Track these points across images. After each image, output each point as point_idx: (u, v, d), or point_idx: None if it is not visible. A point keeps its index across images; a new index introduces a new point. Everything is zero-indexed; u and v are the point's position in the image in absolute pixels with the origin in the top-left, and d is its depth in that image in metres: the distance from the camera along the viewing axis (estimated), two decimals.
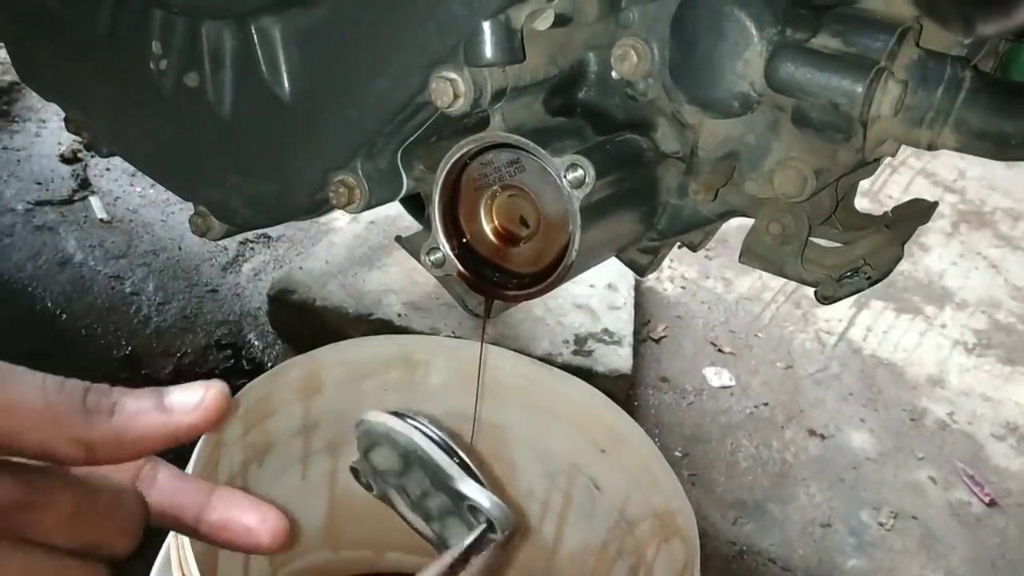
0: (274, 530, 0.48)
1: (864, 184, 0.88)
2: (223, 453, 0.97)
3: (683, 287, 2.26)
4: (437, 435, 0.50)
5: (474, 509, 0.49)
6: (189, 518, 0.48)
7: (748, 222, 0.82)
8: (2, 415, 0.41)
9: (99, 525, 0.43)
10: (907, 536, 1.73)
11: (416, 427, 0.50)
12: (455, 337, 1.71)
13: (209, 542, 0.48)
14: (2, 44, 2.29)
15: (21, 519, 0.41)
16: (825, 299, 0.78)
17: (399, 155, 0.78)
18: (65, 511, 0.42)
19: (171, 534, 0.83)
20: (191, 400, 0.45)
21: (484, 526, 0.49)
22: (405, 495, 0.51)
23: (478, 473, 0.50)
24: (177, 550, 0.78)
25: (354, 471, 0.52)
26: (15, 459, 0.42)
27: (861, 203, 0.90)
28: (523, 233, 0.76)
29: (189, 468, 0.90)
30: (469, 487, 0.49)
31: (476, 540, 0.49)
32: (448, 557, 0.48)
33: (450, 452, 0.50)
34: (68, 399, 0.43)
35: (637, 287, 2.04)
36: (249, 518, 0.48)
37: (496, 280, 0.78)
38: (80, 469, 0.44)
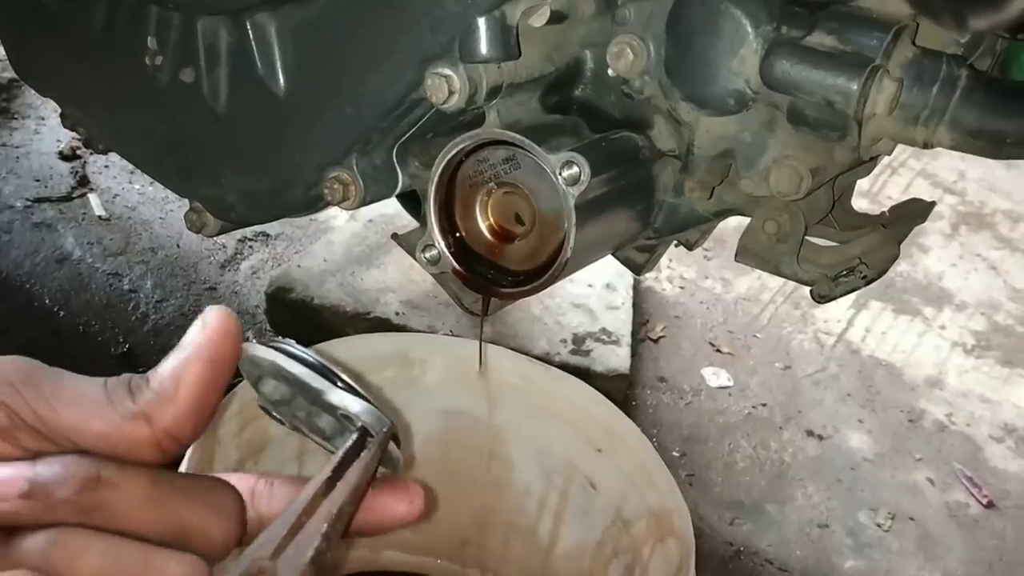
0: (411, 498, 0.48)
1: (864, 185, 0.88)
2: (219, 451, 0.97)
3: (682, 287, 2.26)
4: (305, 354, 0.48)
5: (347, 418, 0.48)
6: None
7: (746, 222, 0.82)
8: (65, 408, 0.41)
9: (184, 505, 0.43)
10: (905, 537, 1.73)
11: (282, 350, 0.48)
12: (452, 336, 1.71)
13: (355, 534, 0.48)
14: None
15: (95, 497, 0.40)
16: (821, 298, 0.78)
17: (394, 152, 0.78)
18: (141, 489, 0.41)
19: None
20: (196, 326, 0.45)
21: (357, 432, 0.48)
22: (299, 419, 0.50)
23: (359, 388, 0.48)
24: None
25: (263, 409, 0.50)
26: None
27: (861, 204, 0.90)
28: (518, 230, 0.76)
29: (184, 465, 0.90)
30: (337, 396, 0.48)
31: (352, 447, 0.47)
32: (328, 468, 0.46)
33: (322, 371, 0.48)
34: (115, 385, 0.43)
35: (635, 287, 2.04)
36: (386, 497, 0.48)
37: (491, 277, 0.78)
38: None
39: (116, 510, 0.41)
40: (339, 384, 0.48)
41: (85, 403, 0.42)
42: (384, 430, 0.48)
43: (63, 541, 0.40)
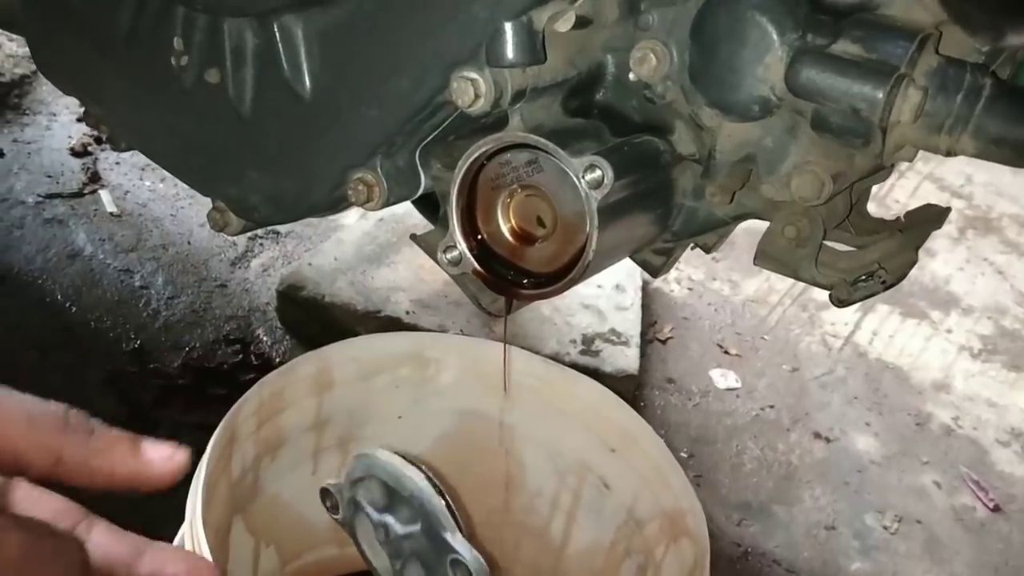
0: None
1: (871, 189, 0.89)
2: (236, 447, 0.97)
3: (690, 289, 2.27)
4: (437, 484, 0.53)
5: (456, 563, 0.52)
6: (121, 571, 0.49)
7: (756, 225, 0.82)
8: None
9: (44, 571, 0.43)
10: (911, 540, 1.73)
11: (422, 472, 0.53)
12: (463, 335, 1.72)
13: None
14: (14, 37, 2.29)
15: None
16: (840, 302, 0.79)
17: (417, 154, 0.79)
18: (13, 553, 0.42)
19: (182, 531, 0.84)
20: (161, 454, 0.47)
21: None
22: (382, 530, 0.53)
23: (463, 527, 0.53)
24: (191, 541, 0.78)
25: (324, 492, 0.54)
26: None
27: (868, 207, 0.90)
28: (540, 233, 0.77)
29: (203, 462, 0.91)
30: (459, 541, 0.53)
31: None
32: None
33: (445, 503, 0.53)
34: (49, 412, 0.45)
35: (644, 288, 2.05)
36: (178, 567, 0.49)
37: (512, 279, 0.78)
38: (22, 515, 0.45)
39: None
40: (459, 527, 0.53)
41: (6, 412, 0.43)
42: None
43: None
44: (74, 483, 0.45)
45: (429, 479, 0.52)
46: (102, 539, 0.50)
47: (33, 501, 0.50)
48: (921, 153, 0.69)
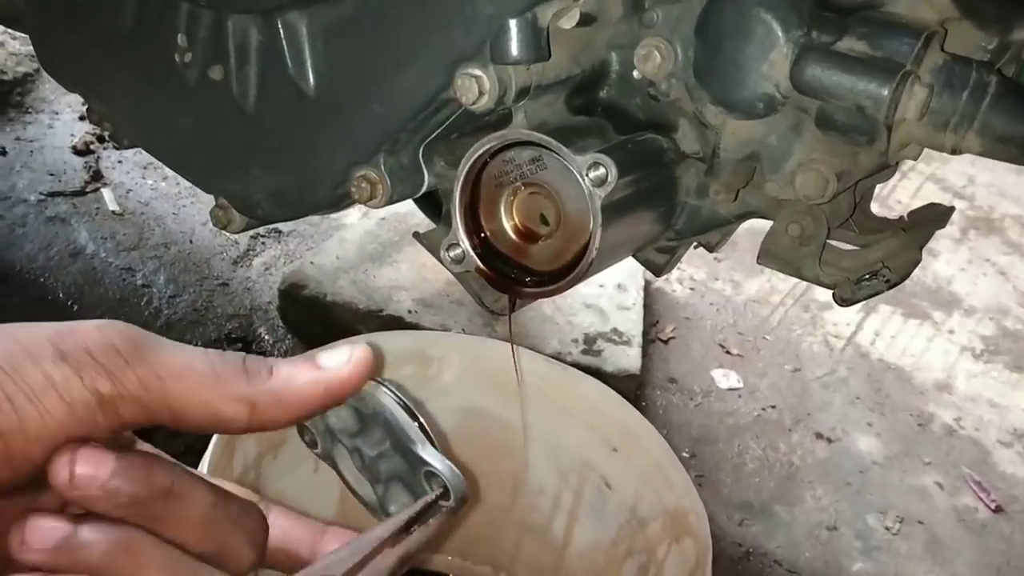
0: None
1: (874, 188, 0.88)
2: (238, 445, 0.97)
3: (692, 288, 2.27)
4: (403, 400, 0.51)
5: (430, 475, 0.51)
6: (304, 554, 0.50)
7: (758, 225, 0.82)
8: (173, 378, 0.42)
9: (230, 531, 0.44)
10: (913, 541, 1.73)
11: (385, 390, 0.51)
12: (466, 334, 1.71)
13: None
14: (17, 35, 2.29)
15: (165, 508, 0.42)
16: (844, 301, 0.78)
17: (421, 151, 0.78)
18: (203, 508, 0.43)
19: None
20: (341, 357, 0.47)
21: (439, 492, 0.51)
22: (357, 455, 0.52)
23: (435, 441, 0.52)
24: None
25: (300, 427, 0.53)
26: (162, 455, 0.44)
27: (870, 207, 0.90)
28: (543, 231, 0.76)
29: (205, 459, 0.91)
30: (430, 453, 0.50)
31: (429, 504, 0.50)
32: (404, 515, 0.50)
33: (414, 418, 0.51)
34: (230, 363, 0.45)
35: (646, 288, 2.05)
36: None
37: (514, 277, 0.78)
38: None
39: (177, 522, 0.42)
40: (430, 442, 0.51)
41: (191, 374, 0.43)
42: (461, 498, 0.51)
43: (128, 545, 0.41)
44: (272, 426, 0.46)
45: (393, 394, 0.51)
46: (279, 523, 0.51)
47: None
48: (924, 153, 0.69)
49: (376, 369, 0.49)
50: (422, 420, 0.51)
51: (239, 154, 0.81)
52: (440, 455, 0.51)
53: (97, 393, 0.40)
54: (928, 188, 2.86)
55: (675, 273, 2.29)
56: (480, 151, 0.72)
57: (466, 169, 0.74)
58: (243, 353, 0.46)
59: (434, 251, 0.84)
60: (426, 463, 0.50)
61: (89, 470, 0.40)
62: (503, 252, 0.78)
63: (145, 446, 0.48)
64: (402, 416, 0.50)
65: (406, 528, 0.49)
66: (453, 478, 0.50)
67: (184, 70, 0.81)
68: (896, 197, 2.74)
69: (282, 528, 0.51)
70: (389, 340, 1.12)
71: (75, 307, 1.80)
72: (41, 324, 0.41)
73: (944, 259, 2.58)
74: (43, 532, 0.40)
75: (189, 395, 0.42)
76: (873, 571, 1.66)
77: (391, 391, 0.51)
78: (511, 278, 0.78)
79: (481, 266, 0.77)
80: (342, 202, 0.80)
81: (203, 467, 0.88)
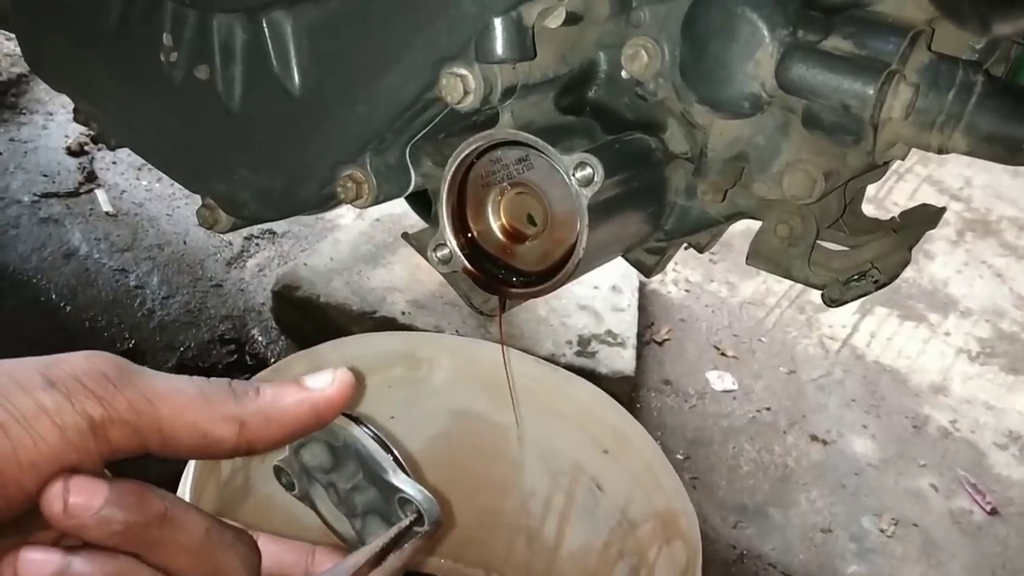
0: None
1: (869, 191, 0.88)
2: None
3: (687, 290, 2.26)
4: (372, 431, 0.53)
5: (404, 501, 0.52)
6: (297, 572, 0.51)
7: (753, 227, 0.82)
8: (161, 401, 0.42)
9: (224, 556, 0.45)
10: (908, 543, 1.73)
11: (354, 422, 0.52)
12: (458, 335, 1.71)
13: None
14: (11, 36, 2.29)
15: (159, 534, 0.42)
16: (832, 302, 0.78)
17: (407, 151, 0.78)
18: (197, 534, 0.43)
19: None
20: (325, 379, 0.48)
21: (413, 517, 0.52)
22: (333, 491, 0.54)
23: (407, 469, 0.53)
24: None
25: (277, 470, 0.54)
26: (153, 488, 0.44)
27: (867, 209, 0.90)
28: (530, 231, 0.76)
29: (191, 462, 0.90)
30: (401, 480, 0.52)
31: (404, 530, 0.51)
32: (379, 542, 0.50)
33: (385, 447, 0.53)
34: (217, 385, 0.46)
35: (641, 289, 2.04)
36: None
37: (502, 277, 0.78)
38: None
39: (171, 549, 0.42)
40: (390, 455, 0.52)
41: (180, 396, 0.43)
42: (435, 523, 0.52)
43: (122, 575, 0.41)
44: (261, 446, 0.46)
45: (364, 426, 0.52)
46: (268, 548, 0.51)
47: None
48: (920, 155, 0.68)
49: (358, 391, 0.50)
50: (393, 449, 0.52)
51: (225, 154, 0.81)
52: (412, 481, 0.52)
53: (88, 417, 0.40)
54: (924, 190, 2.86)
55: (670, 275, 2.29)
56: (467, 151, 0.72)
57: (453, 169, 0.73)
58: (227, 380, 0.47)
59: (422, 251, 0.83)
60: (399, 490, 0.51)
61: (82, 499, 0.40)
62: (490, 252, 0.77)
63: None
64: (373, 446, 0.52)
65: (382, 555, 0.50)
66: (426, 503, 0.51)
67: (170, 70, 0.81)
68: (892, 199, 2.74)
69: (273, 554, 0.51)
70: (379, 341, 1.11)
71: (68, 308, 1.79)
72: (27, 358, 0.42)
73: (940, 261, 2.58)
74: (36, 565, 0.40)
75: (179, 417, 0.43)
76: (868, 574, 1.66)
77: (362, 424, 0.52)
78: (498, 278, 0.78)
79: (468, 266, 0.77)
80: (329, 202, 0.80)
81: (189, 468, 0.88)
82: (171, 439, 0.43)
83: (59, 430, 0.39)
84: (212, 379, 0.46)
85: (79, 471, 0.40)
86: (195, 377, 0.46)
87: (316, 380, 0.48)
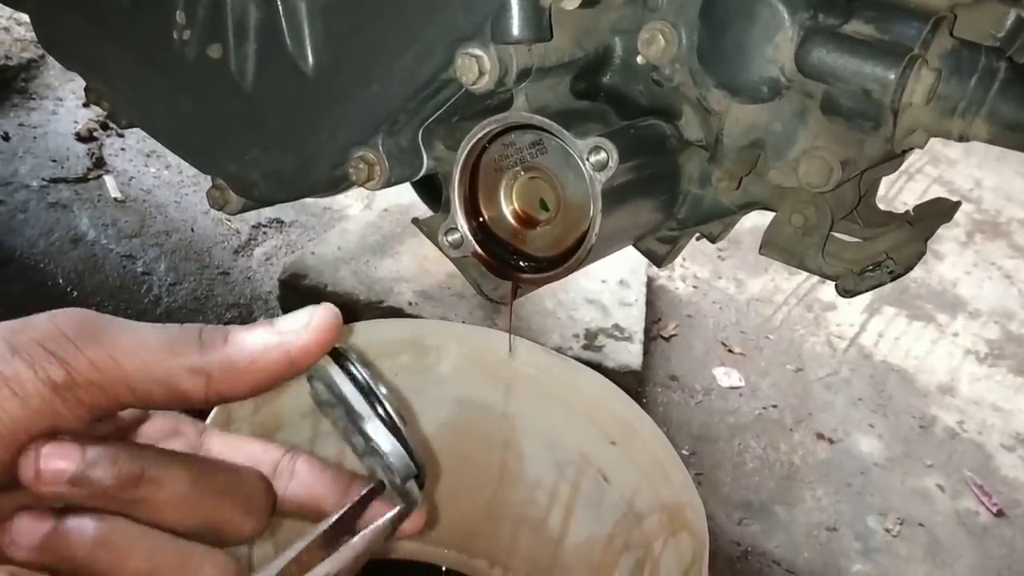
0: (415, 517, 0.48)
1: (880, 191, 0.87)
2: (232, 430, 0.96)
3: (695, 286, 2.25)
4: (356, 370, 0.47)
5: (376, 452, 0.46)
6: (330, 508, 0.48)
7: (762, 223, 0.81)
8: (126, 357, 0.41)
9: (217, 504, 0.43)
10: (913, 543, 1.72)
11: (337, 359, 0.47)
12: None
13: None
14: (22, 21, 2.28)
15: (139, 493, 0.41)
16: (846, 292, 0.77)
17: (420, 134, 0.77)
18: (180, 488, 0.42)
19: None
20: (300, 320, 0.45)
21: (367, 490, 0.47)
22: (339, 425, 0.49)
23: (400, 425, 0.47)
24: None
25: (316, 402, 0.49)
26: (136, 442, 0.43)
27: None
28: (542, 216, 0.75)
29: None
30: (372, 427, 0.46)
31: (359, 502, 0.47)
32: (328, 522, 0.46)
33: (367, 393, 0.47)
34: (184, 335, 0.43)
35: (649, 285, 2.03)
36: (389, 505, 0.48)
37: (513, 263, 0.77)
38: (204, 456, 0.45)
39: (155, 505, 0.42)
40: (380, 412, 0.47)
41: (145, 350, 0.42)
42: (404, 478, 0.47)
43: (110, 538, 0.41)
44: (232, 396, 0.44)
45: (344, 360, 0.47)
46: (307, 475, 0.49)
47: (230, 447, 0.50)
48: (931, 156, 0.67)
49: (339, 330, 0.45)
50: (379, 390, 0.47)
51: (236, 134, 0.80)
52: (384, 428, 0.46)
53: (51, 382, 0.40)
54: (935, 191, 2.85)
55: (678, 271, 2.28)
56: (480, 133, 0.71)
57: (466, 152, 0.73)
58: (201, 325, 0.44)
59: (432, 237, 0.83)
60: (369, 438, 0.46)
61: (54, 464, 0.39)
62: (502, 238, 0.77)
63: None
64: (351, 390, 0.47)
65: (343, 527, 0.46)
66: (393, 455, 0.46)
67: (182, 48, 0.80)
68: (902, 199, 2.73)
69: (305, 484, 0.49)
70: (386, 328, 1.11)
71: (74, 293, 1.79)
72: None
73: (949, 262, 2.56)
74: (28, 529, 0.40)
75: (145, 371, 0.41)
76: (872, 573, 1.65)
77: (346, 360, 0.47)
78: (510, 264, 0.77)
79: (479, 251, 0.76)
80: (340, 184, 0.79)
81: None
82: (142, 394, 0.42)
83: (20, 400, 0.39)
84: (183, 326, 0.44)
85: (59, 433, 0.40)
86: (166, 326, 0.43)
87: (291, 322, 0.44)
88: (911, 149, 0.70)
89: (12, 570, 0.39)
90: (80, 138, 2.20)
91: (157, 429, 0.50)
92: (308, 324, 0.45)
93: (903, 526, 1.74)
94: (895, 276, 0.76)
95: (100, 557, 0.40)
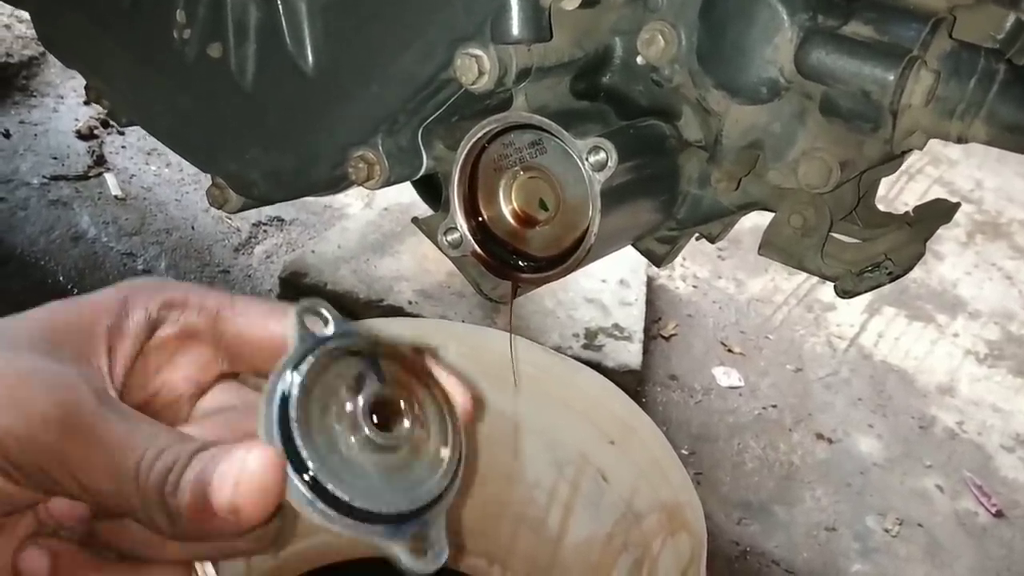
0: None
1: (880, 191, 0.87)
2: None
3: (695, 286, 2.25)
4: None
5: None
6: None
7: (762, 223, 0.81)
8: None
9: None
10: (912, 543, 1.72)
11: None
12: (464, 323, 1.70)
13: None
14: (23, 18, 2.28)
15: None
16: (845, 293, 0.77)
17: (420, 133, 0.77)
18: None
19: None
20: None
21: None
22: None
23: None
24: None
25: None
26: None
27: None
28: (541, 216, 0.75)
29: None
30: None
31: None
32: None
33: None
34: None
35: (649, 284, 2.03)
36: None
37: (512, 262, 0.77)
38: None
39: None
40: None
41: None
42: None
43: None
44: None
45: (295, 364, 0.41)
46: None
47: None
48: (931, 157, 0.68)
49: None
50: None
51: (236, 133, 0.80)
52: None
53: None
54: (936, 192, 2.84)
55: (678, 270, 2.28)
56: (480, 133, 0.71)
57: (465, 151, 0.73)
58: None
59: (432, 236, 0.83)
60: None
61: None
62: (501, 237, 0.77)
63: None
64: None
65: None
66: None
67: (183, 47, 0.80)
68: (903, 200, 2.73)
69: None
70: (386, 327, 1.11)
71: (75, 291, 1.79)
72: None
73: (950, 262, 2.56)
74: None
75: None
76: (871, 573, 1.65)
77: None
78: (509, 263, 0.77)
79: (478, 250, 0.76)
80: (339, 183, 0.79)
81: None
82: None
83: None
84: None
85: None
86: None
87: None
88: (910, 150, 0.70)
89: None
90: (81, 136, 2.20)
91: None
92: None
93: (902, 526, 1.74)
94: (894, 277, 0.76)
95: None
